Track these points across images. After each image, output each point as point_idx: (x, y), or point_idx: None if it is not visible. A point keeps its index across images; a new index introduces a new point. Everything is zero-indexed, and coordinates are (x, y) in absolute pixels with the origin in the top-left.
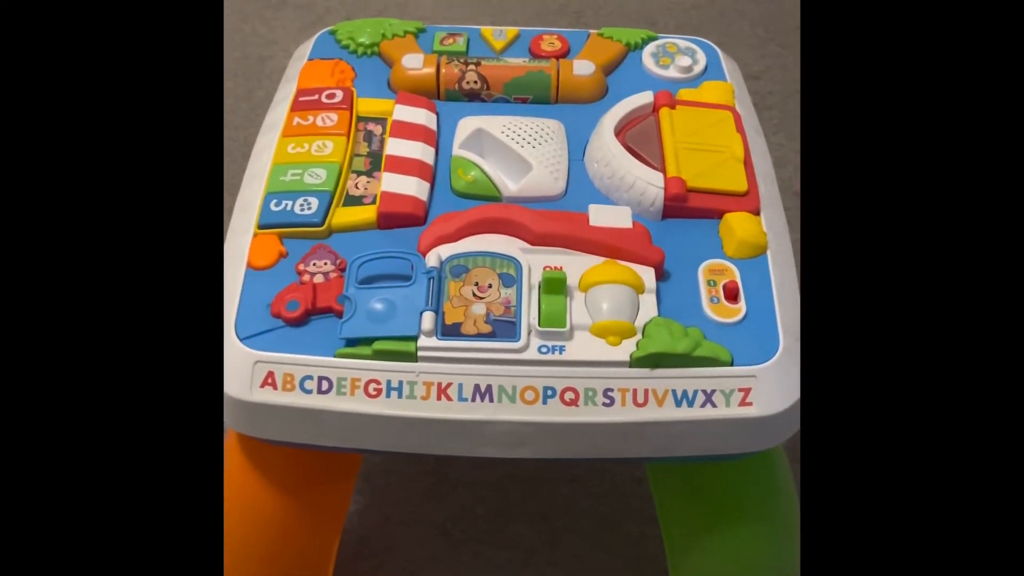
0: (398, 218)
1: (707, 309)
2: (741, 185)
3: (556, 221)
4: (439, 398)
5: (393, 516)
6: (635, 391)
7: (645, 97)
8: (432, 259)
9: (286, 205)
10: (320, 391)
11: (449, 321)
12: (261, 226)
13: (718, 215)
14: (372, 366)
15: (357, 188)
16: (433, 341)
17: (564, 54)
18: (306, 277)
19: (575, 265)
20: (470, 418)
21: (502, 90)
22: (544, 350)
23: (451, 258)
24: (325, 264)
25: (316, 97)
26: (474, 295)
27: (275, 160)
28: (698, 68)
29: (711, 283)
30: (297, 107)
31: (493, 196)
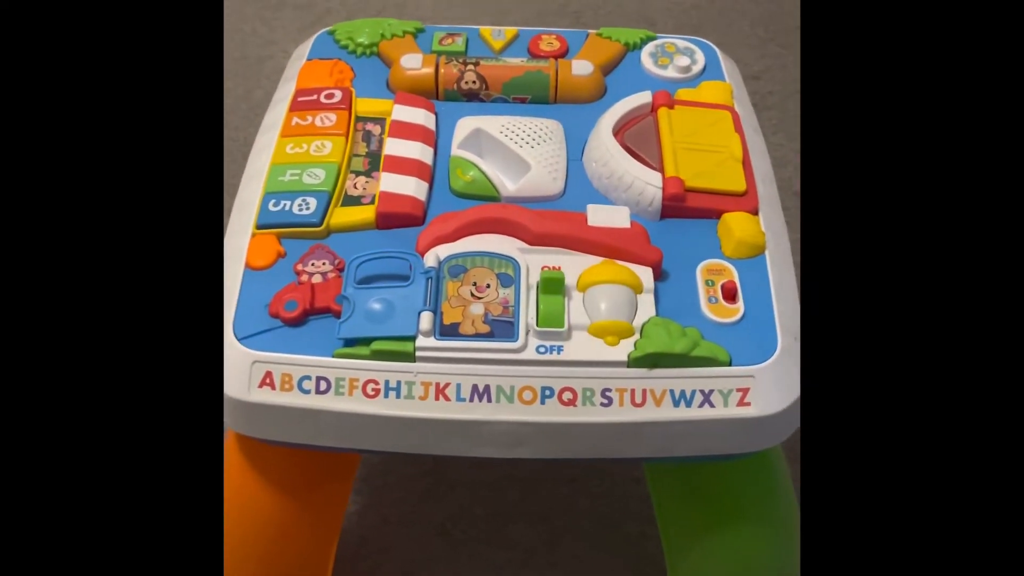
0: (396, 218)
1: (705, 309)
2: (739, 185)
3: (554, 221)
4: (437, 398)
5: (392, 516)
6: (633, 391)
7: (643, 97)
8: (430, 259)
9: (284, 205)
10: (318, 391)
11: (447, 321)
12: (259, 226)
13: (716, 215)
14: (370, 366)
15: (356, 188)
16: (431, 341)
17: (563, 54)
18: (304, 277)
19: (573, 265)
20: (468, 418)
21: (501, 90)
22: (542, 350)
23: (449, 258)
24: (323, 264)
25: (315, 97)
26: (472, 295)
27: (274, 160)
28: (697, 68)
29: (709, 283)
30: (296, 107)
31: (491, 196)
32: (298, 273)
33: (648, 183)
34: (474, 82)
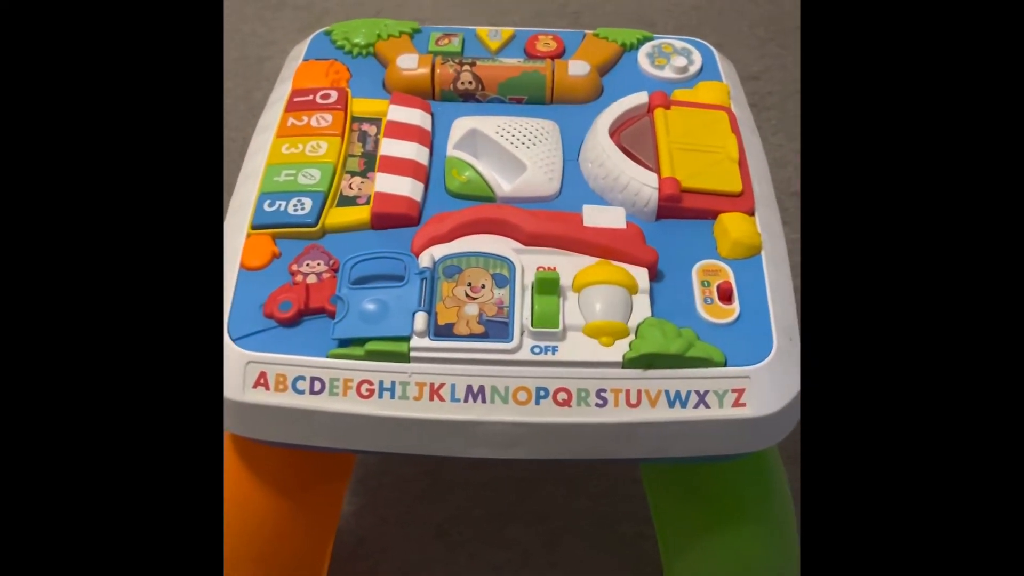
0: (392, 218)
1: (701, 310)
2: (735, 185)
3: (549, 221)
4: (432, 399)
5: (389, 517)
6: (628, 392)
7: (640, 97)
8: (425, 259)
9: (280, 205)
10: (312, 391)
11: (442, 321)
12: (254, 226)
13: (712, 215)
14: (365, 367)
15: (351, 188)
16: (426, 341)
17: (559, 54)
18: (299, 277)
19: (568, 265)
20: (463, 419)
21: (497, 90)
22: (537, 351)
23: (444, 258)
24: (318, 264)
25: (311, 97)
26: (467, 295)
27: (269, 160)
28: (694, 68)
29: (705, 284)
30: (292, 107)
31: (487, 196)
32: (293, 273)
33: (644, 184)
34: (470, 82)
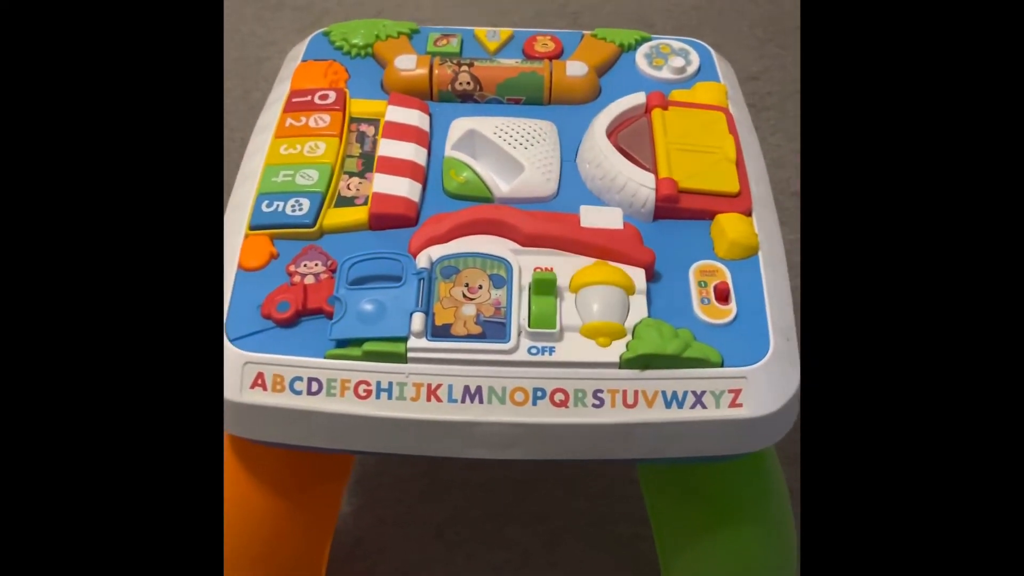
0: (389, 219)
1: (698, 310)
2: (733, 186)
3: (547, 222)
4: (429, 399)
5: (388, 517)
6: (625, 392)
7: (637, 98)
8: (423, 260)
9: (277, 206)
10: (310, 392)
11: (439, 322)
12: (252, 227)
13: (710, 216)
14: (362, 367)
15: (349, 189)
16: (423, 342)
17: (557, 55)
18: (297, 278)
19: (566, 266)
20: (460, 419)
21: (495, 91)
22: (534, 351)
23: (441, 259)
24: (316, 265)
25: (309, 98)
26: (464, 296)
27: (267, 161)
28: (691, 69)
29: (702, 284)
30: (290, 108)
31: (485, 197)
32: (290, 274)
33: (641, 184)
34: (468, 83)
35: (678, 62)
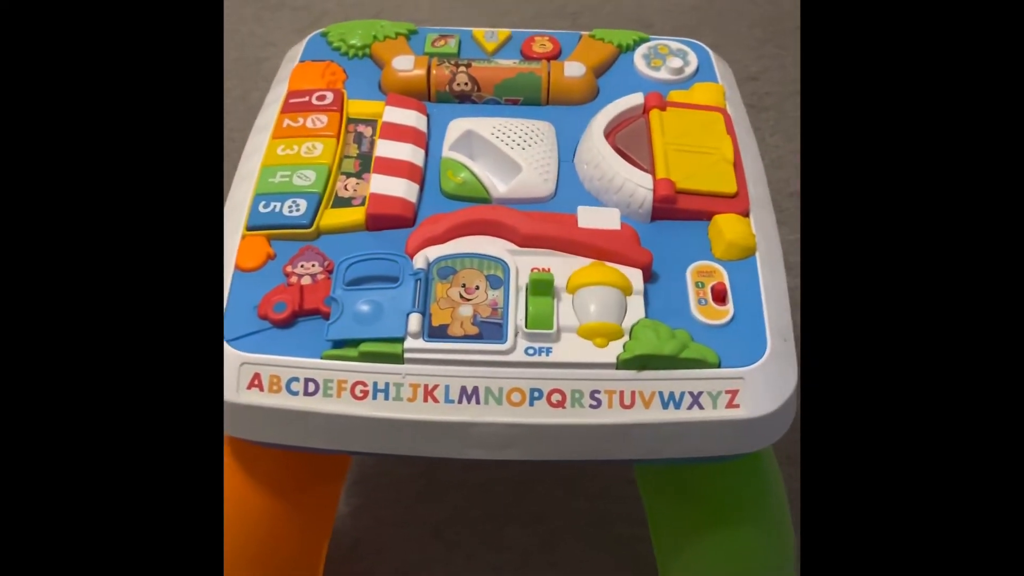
0: (386, 220)
1: (695, 311)
2: (730, 187)
3: (544, 223)
4: (425, 400)
5: (386, 518)
6: (622, 393)
7: (635, 99)
8: (419, 261)
9: (275, 207)
10: (306, 393)
11: (436, 323)
12: (249, 228)
13: (707, 217)
14: (358, 368)
15: (346, 190)
16: (419, 343)
17: (555, 56)
18: (293, 279)
19: (563, 267)
20: (456, 420)
21: (493, 92)
22: (531, 352)
23: (438, 260)
24: (313, 266)
25: (306, 99)
26: (461, 297)
27: (264, 162)
28: (689, 70)
29: (699, 285)
30: (287, 109)
31: (482, 198)
32: (287, 275)
33: (639, 185)
34: (466, 84)
35: (676, 63)
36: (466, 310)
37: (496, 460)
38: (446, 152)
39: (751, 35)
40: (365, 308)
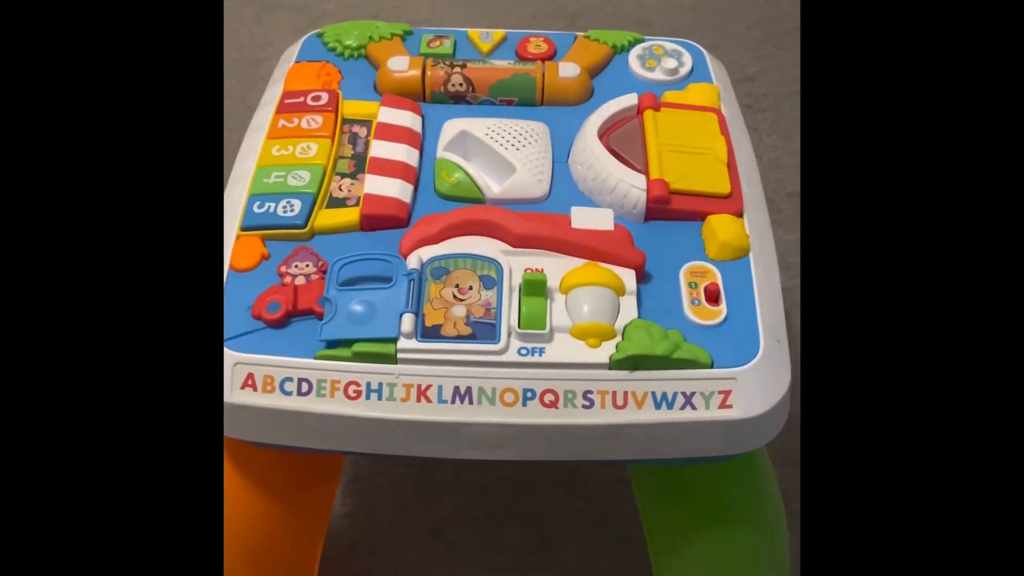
0: (381, 220)
1: (688, 311)
2: (724, 187)
3: (537, 223)
4: (419, 400)
5: (383, 518)
6: (614, 393)
7: (630, 99)
8: (413, 261)
9: (269, 207)
10: (300, 393)
11: (429, 323)
12: (244, 228)
13: (701, 217)
14: (352, 368)
15: (341, 190)
16: (413, 343)
17: (550, 56)
18: (288, 279)
19: (556, 267)
20: (450, 420)
21: (487, 92)
22: (524, 352)
23: (432, 260)
24: (307, 266)
25: (302, 99)
26: (455, 297)
27: (259, 162)
28: (684, 70)
29: (692, 285)
30: (283, 109)
31: (476, 198)
32: (281, 275)
33: (632, 185)
34: (461, 84)
35: (671, 63)
36: (459, 310)
37: (491, 460)
38: (440, 152)
39: (750, 35)
40: (359, 308)
